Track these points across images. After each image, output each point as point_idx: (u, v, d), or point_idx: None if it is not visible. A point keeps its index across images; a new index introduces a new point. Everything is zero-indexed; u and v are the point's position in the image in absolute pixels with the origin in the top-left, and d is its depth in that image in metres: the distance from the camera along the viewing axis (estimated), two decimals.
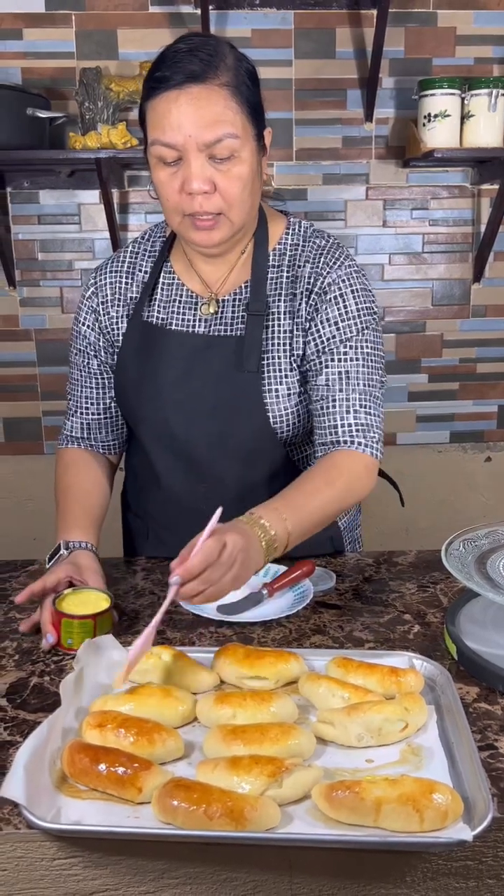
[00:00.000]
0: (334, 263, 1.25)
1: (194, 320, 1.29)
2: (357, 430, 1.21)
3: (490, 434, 2.67)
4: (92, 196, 2.42)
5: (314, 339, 1.25)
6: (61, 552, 1.21)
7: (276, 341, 1.26)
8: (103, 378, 1.36)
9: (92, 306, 1.34)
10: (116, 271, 1.33)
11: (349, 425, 1.21)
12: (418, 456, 2.65)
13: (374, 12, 2.25)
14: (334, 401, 1.22)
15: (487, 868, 0.75)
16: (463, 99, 2.25)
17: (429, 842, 0.70)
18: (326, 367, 1.23)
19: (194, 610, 1.13)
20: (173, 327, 1.29)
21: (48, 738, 0.81)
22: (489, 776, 0.79)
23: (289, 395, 1.26)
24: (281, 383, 1.25)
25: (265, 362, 1.25)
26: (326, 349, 1.24)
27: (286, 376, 1.25)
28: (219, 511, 0.98)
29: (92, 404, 1.38)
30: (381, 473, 1.46)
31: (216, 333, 1.27)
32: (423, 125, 2.28)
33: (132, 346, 1.31)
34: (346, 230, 2.50)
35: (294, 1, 2.32)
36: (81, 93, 2.20)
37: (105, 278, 1.34)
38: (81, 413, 1.38)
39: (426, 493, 2.63)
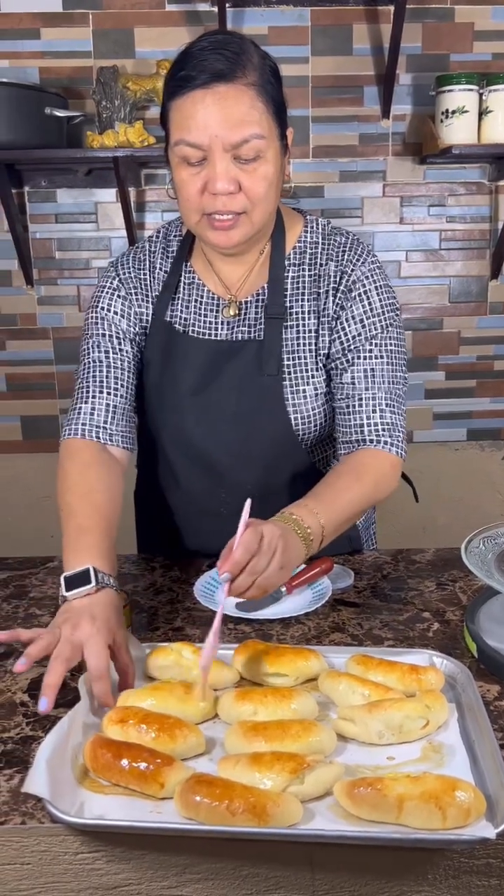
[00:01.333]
0: (358, 260, 1.25)
1: (216, 323, 1.28)
2: (383, 430, 1.21)
3: None
4: (109, 195, 2.43)
5: (339, 337, 1.24)
6: (90, 586, 0.98)
7: (300, 341, 1.25)
8: (135, 364, 1.29)
9: (121, 295, 1.29)
10: (139, 267, 1.31)
11: (375, 424, 1.21)
12: (435, 454, 2.64)
13: (391, 8, 2.24)
14: (360, 399, 1.22)
15: None
16: (481, 95, 2.24)
17: (451, 839, 0.70)
18: (353, 364, 1.23)
19: (214, 607, 1.13)
20: (196, 330, 1.28)
21: (69, 733, 0.81)
22: None
23: (316, 395, 1.25)
24: (308, 383, 1.25)
25: (290, 363, 1.25)
26: (352, 347, 1.23)
27: (313, 376, 1.25)
28: (248, 503, 0.98)
29: (121, 386, 1.25)
30: None
31: (238, 338, 1.27)
32: (441, 121, 2.26)
33: (157, 347, 1.29)
34: (362, 227, 2.49)
35: None
36: (99, 91, 2.21)
37: (129, 272, 1.31)
38: (110, 394, 1.23)
39: (443, 491, 2.62)
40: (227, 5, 2.25)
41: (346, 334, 1.24)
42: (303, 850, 0.75)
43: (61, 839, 0.75)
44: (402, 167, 2.46)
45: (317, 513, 1.10)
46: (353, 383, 1.23)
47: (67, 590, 0.98)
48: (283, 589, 1.18)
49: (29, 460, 2.59)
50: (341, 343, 1.24)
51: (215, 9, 2.19)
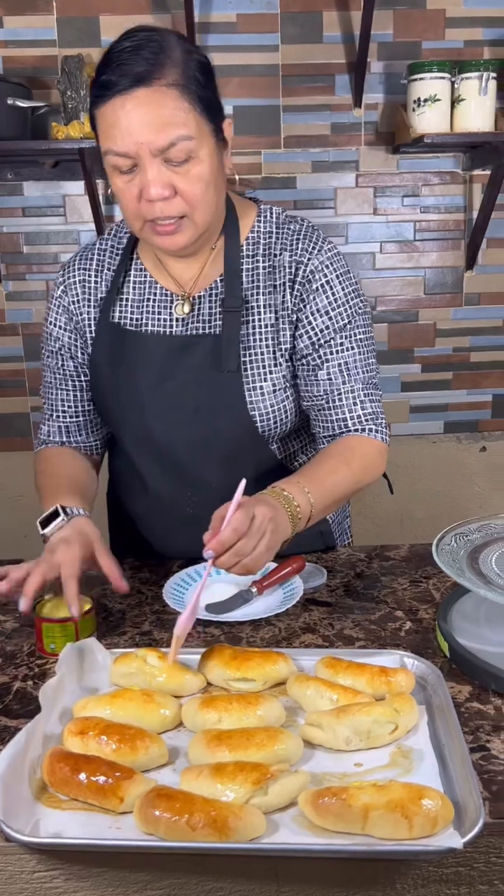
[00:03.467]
0: (313, 249, 1.21)
1: (170, 320, 1.24)
2: (366, 419, 1.23)
3: (484, 424, 2.65)
4: (77, 187, 2.39)
5: (307, 332, 1.21)
6: (59, 518, 1.13)
7: (257, 336, 1.22)
8: (80, 381, 1.31)
9: (64, 305, 1.29)
10: (85, 269, 1.28)
11: (358, 417, 1.22)
12: (412, 447, 2.62)
13: None
14: (339, 394, 1.22)
15: (479, 874, 0.73)
16: (453, 83, 2.21)
17: (417, 850, 0.68)
18: (327, 361, 1.21)
19: (181, 609, 1.11)
20: (149, 328, 1.25)
21: (27, 746, 0.78)
22: (481, 778, 0.78)
23: (274, 391, 1.22)
24: (265, 380, 1.22)
25: (246, 359, 1.21)
26: (323, 341, 1.21)
27: (270, 372, 1.22)
28: (243, 483, 1.00)
29: (69, 407, 1.32)
30: None
31: (193, 333, 1.23)
32: (413, 110, 2.24)
33: (104, 349, 1.26)
34: (336, 218, 2.46)
35: None
36: (63, 81, 2.16)
37: (74, 276, 1.28)
38: (59, 416, 1.33)
39: (420, 484, 2.61)
40: None
41: (313, 329, 1.21)
42: (267, 863, 0.72)
43: (17, 858, 0.73)
44: (375, 157, 2.43)
45: (307, 491, 1.11)
46: (330, 378, 1.21)
47: (43, 529, 1.13)
48: (254, 590, 1.15)
49: (0, 459, 2.55)
50: (310, 338, 1.21)
51: None
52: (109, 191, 1.16)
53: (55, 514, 1.14)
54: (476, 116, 2.22)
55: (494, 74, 2.19)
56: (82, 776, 0.75)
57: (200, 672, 0.95)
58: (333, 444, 1.23)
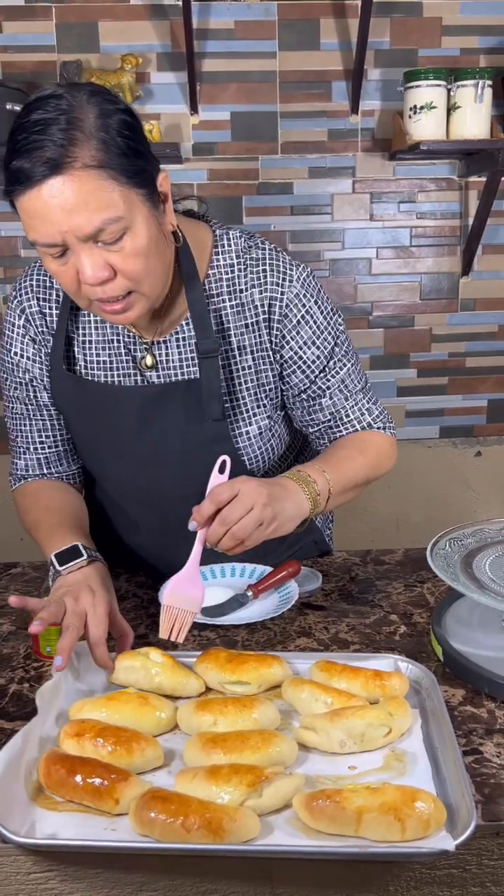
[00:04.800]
0: (283, 280, 1.15)
1: (138, 367, 1.17)
2: (374, 421, 1.25)
3: (480, 429, 2.66)
4: None
5: (300, 367, 1.18)
6: (81, 558, 1.07)
7: (237, 381, 1.18)
8: (55, 410, 1.23)
9: (30, 336, 1.19)
10: (45, 298, 1.18)
11: (368, 423, 1.25)
12: (408, 451, 2.63)
13: (359, 3, 2.23)
14: (346, 410, 1.23)
15: (472, 876, 0.73)
16: (449, 90, 2.23)
17: (410, 852, 0.69)
18: (328, 387, 1.21)
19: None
20: (117, 380, 1.17)
21: (23, 748, 0.79)
22: (474, 781, 0.78)
23: (260, 433, 1.20)
24: (251, 424, 1.19)
25: (228, 405, 1.18)
26: (318, 371, 1.19)
27: (255, 415, 1.19)
28: (221, 459, 1.03)
29: (47, 437, 1.25)
30: None
31: (167, 381, 1.17)
32: (410, 117, 2.25)
33: (66, 399, 1.19)
34: (332, 224, 2.48)
35: None
36: None
37: (33, 305, 1.18)
38: (36, 449, 1.25)
39: (417, 488, 2.62)
40: (192, 0, 2.22)
41: (304, 363, 1.18)
42: (262, 865, 0.73)
43: (13, 859, 0.73)
44: (372, 163, 2.45)
45: (324, 471, 1.12)
46: (333, 402, 1.22)
47: (61, 565, 1.06)
48: (250, 593, 1.16)
49: None
50: (303, 372, 1.19)
51: (180, 3, 2.16)
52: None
53: (75, 553, 1.07)
54: (472, 124, 2.24)
55: (490, 82, 2.21)
56: (78, 778, 0.75)
57: (196, 676, 0.95)
58: (346, 438, 1.24)
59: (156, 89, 2.35)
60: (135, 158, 0.96)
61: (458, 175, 2.47)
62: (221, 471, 1.04)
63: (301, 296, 1.16)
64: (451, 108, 2.25)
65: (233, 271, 1.16)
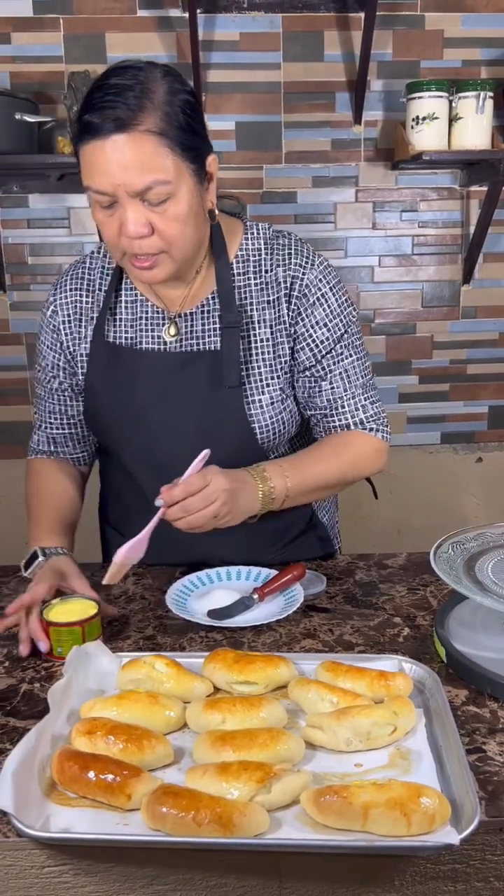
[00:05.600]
0: (307, 263, 1.26)
1: (164, 338, 1.27)
2: (367, 420, 1.30)
3: (481, 435, 2.68)
4: (81, 199, 2.42)
5: (308, 345, 1.26)
6: (38, 559, 1.22)
7: (254, 352, 1.25)
8: (65, 395, 1.36)
9: (54, 325, 1.32)
10: (76, 289, 1.31)
11: (361, 420, 1.29)
12: (410, 457, 2.65)
13: (362, 15, 2.26)
14: (342, 400, 1.28)
15: (475, 871, 0.75)
16: (451, 101, 2.26)
17: (416, 846, 0.71)
18: (330, 371, 1.27)
19: (185, 615, 1.14)
20: (143, 346, 1.28)
21: (37, 745, 0.81)
22: (477, 779, 0.80)
23: (272, 403, 1.26)
24: (263, 393, 1.25)
25: (245, 374, 1.25)
26: (325, 352, 1.26)
27: (268, 385, 1.26)
28: (204, 452, 1.12)
29: (56, 419, 1.38)
30: None
31: (189, 349, 1.26)
32: (412, 128, 2.28)
33: (99, 369, 1.29)
34: (335, 232, 2.50)
35: (282, 4, 2.32)
36: (70, 97, 2.20)
37: (65, 297, 1.31)
38: (47, 427, 1.39)
39: (418, 494, 2.64)
40: (199, 11, 2.26)
41: (314, 341, 1.26)
42: (270, 859, 0.75)
43: (27, 853, 0.75)
44: (375, 173, 2.47)
45: (287, 475, 1.20)
46: (333, 387, 1.27)
47: (25, 571, 1.23)
48: (256, 596, 1.18)
49: (2, 467, 2.57)
50: (311, 350, 1.26)
51: (186, 15, 2.20)
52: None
53: (34, 556, 1.24)
54: (473, 134, 2.26)
55: (491, 94, 2.24)
56: (91, 774, 0.77)
57: (204, 675, 0.97)
58: (330, 437, 1.30)
59: None
60: (191, 135, 1.09)
61: (460, 185, 2.50)
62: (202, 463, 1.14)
63: (320, 280, 1.26)
64: (452, 119, 2.28)
65: (260, 254, 1.27)
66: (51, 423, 1.39)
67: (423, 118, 2.25)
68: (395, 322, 2.58)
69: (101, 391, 1.29)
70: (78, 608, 1.10)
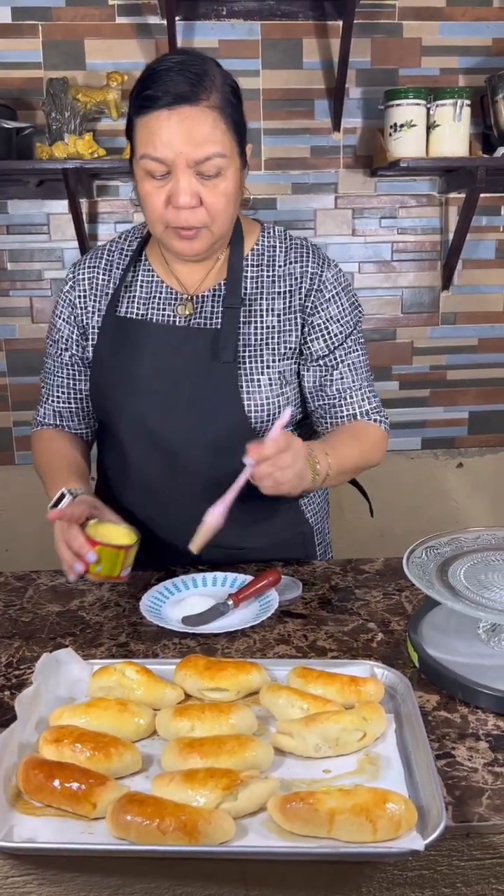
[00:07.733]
0: (323, 263, 1.34)
1: (174, 316, 1.32)
2: (372, 411, 1.38)
3: (461, 440, 2.70)
4: (61, 206, 2.42)
5: (323, 335, 1.33)
6: (66, 497, 1.23)
7: (257, 336, 1.31)
8: (74, 369, 1.41)
9: (70, 299, 1.38)
10: (94, 266, 1.37)
11: (366, 411, 1.37)
12: (391, 462, 2.64)
13: (340, 23, 2.28)
14: (350, 391, 1.35)
15: (442, 877, 0.75)
16: (428, 109, 2.28)
17: (380, 852, 0.70)
18: (341, 362, 1.35)
19: (159, 622, 1.13)
20: (152, 319, 1.33)
21: (2, 754, 0.80)
22: (445, 784, 0.80)
23: (271, 384, 1.30)
24: (263, 373, 1.30)
25: (245, 354, 1.30)
26: (337, 344, 1.34)
27: (268, 367, 1.30)
28: (287, 413, 1.14)
29: (63, 393, 1.43)
30: (353, 482, 1.50)
31: (195, 326, 1.31)
32: (390, 135, 2.30)
33: (106, 340, 1.34)
34: (315, 239, 2.51)
35: (261, 12, 2.34)
36: (48, 103, 2.20)
37: (84, 273, 1.37)
38: (54, 401, 1.43)
39: (399, 499, 2.64)
40: (177, 18, 2.26)
41: (328, 333, 1.33)
42: (236, 866, 0.74)
43: None
44: (354, 179, 2.49)
45: (327, 454, 1.23)
46: (342, 378, 1.35)
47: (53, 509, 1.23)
48: (230, 602, 1.18)
49: None
50: (325, 341, 1.33)
51: (165, 22, 2.20)
52: (132, 195, 1.25)
53: (62, 497, 1.25)
54: (451, 142, 2.28)
55: (468, 102, 2.26)
56: (56, 783, 0.76)
57: (175, 682, 0.97)
58: (345, 425, 1.36)
59: None
60: (240, 119, 1.19)
61: (438, 191, 2.52)
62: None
63: (335, 280, 1.34)
64: (430, 127, 2.30)
65: (274, 251, 1.34)
66: (58, 397, 1.43)
67: (402, 125, 2.27)
68: (375, 328, 2.59)
69: (106, 362, 1.34)
70: (112, 534, 1.14)
